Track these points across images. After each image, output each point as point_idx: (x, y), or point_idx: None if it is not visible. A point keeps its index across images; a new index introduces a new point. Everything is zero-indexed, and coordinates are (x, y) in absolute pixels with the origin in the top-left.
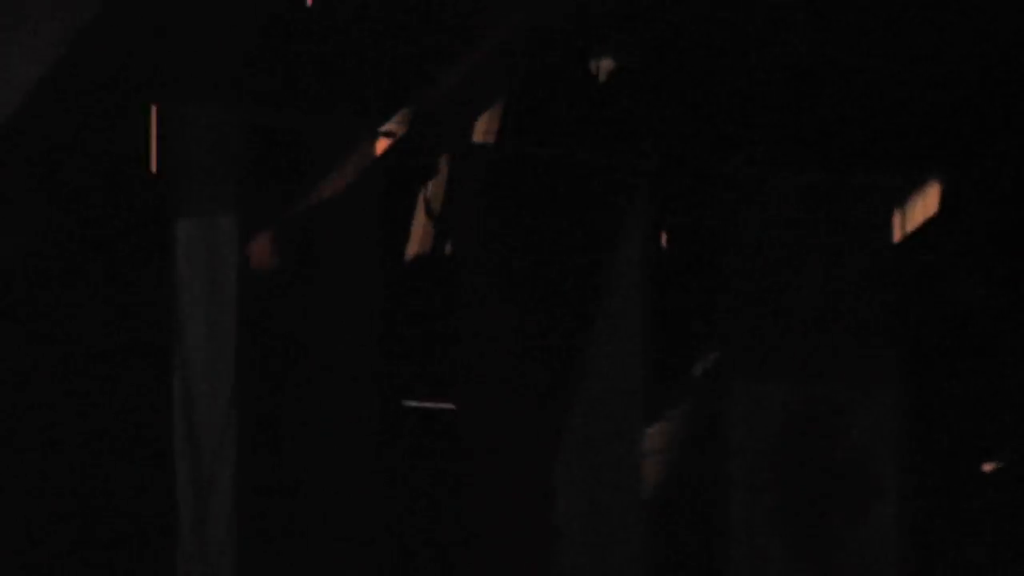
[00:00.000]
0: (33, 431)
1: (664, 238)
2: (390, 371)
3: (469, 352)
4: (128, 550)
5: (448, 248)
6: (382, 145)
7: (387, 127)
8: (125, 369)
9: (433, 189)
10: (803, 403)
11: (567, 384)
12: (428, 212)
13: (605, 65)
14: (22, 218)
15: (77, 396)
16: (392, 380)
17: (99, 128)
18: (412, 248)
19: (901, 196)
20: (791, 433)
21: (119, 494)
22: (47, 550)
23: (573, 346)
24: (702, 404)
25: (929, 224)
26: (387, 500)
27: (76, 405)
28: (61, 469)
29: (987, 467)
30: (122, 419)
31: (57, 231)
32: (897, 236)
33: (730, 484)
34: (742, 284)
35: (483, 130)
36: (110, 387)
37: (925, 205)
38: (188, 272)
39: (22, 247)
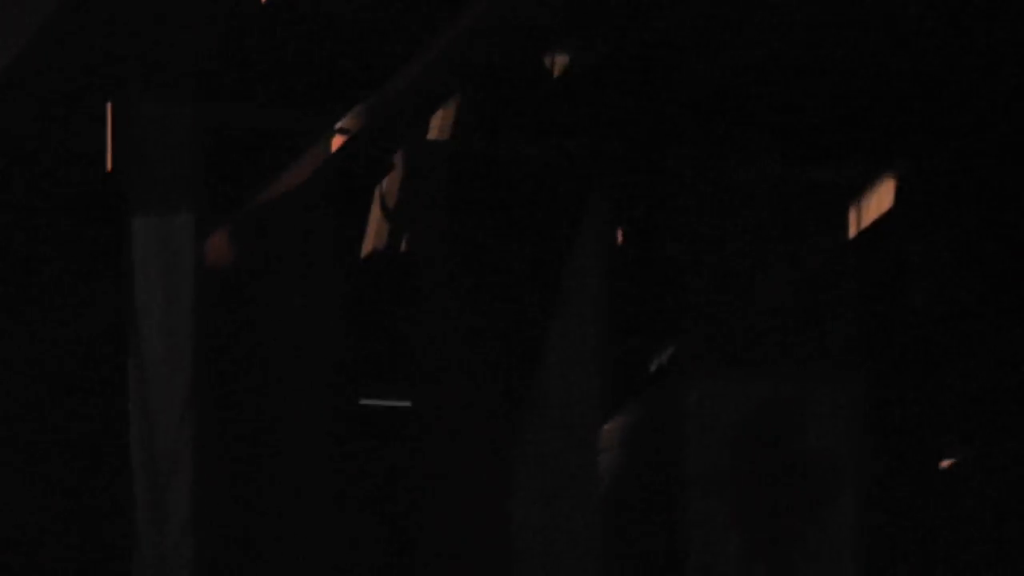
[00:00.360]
0: None
1: (620, 234)
2: (349, 369)
3: (424, 350)
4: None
5: (404, 245)
6: (337, 141)
7: (342, 123)
8: (79, 368)
9: (388, 186)
10: (762, 399)
11: (525, 382)
12: (384, 209)
13: (560, 60)
14: None
15: (30, 400)
16: (351, 378)
17: (53, 124)
18: (368, 245)
19: (858, 190)
20: (749, 430)
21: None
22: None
23: (530, 344)
24: (660, 401)
25: (884, 219)
26: (345, 500)
27: (32, 409)
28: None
29: (945, 464)
30: (81, 421)
31: (10, 228)
32: (852, 231)
33: (688, 481)
34: (699, 280)
35: (439, 126)
36: (66, 387)
37: (880, 200)
38: (144, 270)
39: None
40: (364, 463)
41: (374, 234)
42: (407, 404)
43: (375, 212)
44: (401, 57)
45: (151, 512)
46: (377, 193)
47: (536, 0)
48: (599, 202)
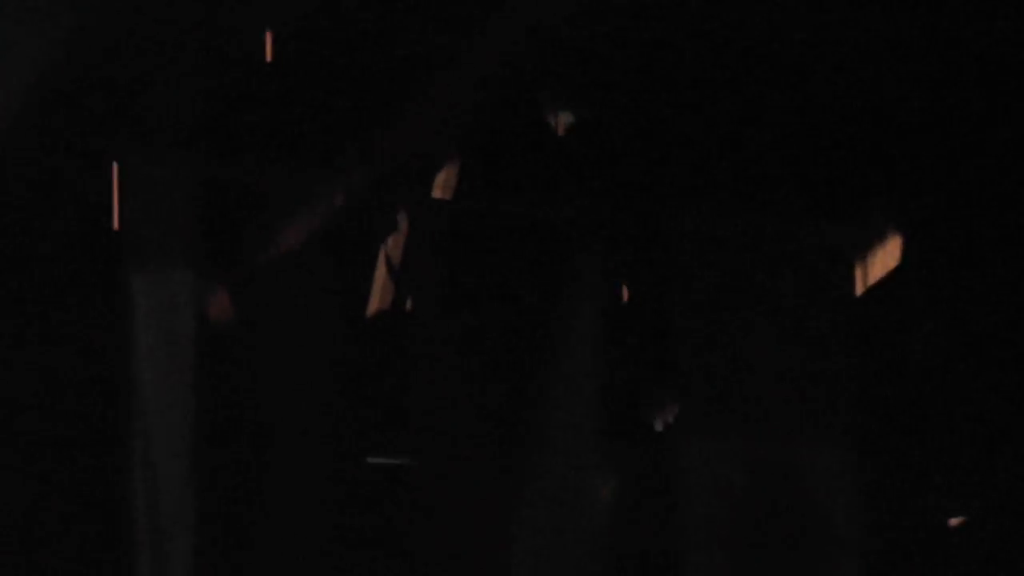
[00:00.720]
0: None
1: (623, 292)
2: (352, 428)
3: (425, 408)
4: None
5: (408, 303)
6: (341, 200)
7: (346, 181)
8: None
9: (393, 244)
10: (760, 459)
11: (524, 440)
12: (388, 267)
13: (564, 119)
14: None
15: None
16: (353, 437)
17: (57, 182)
18: (373, 304)
19: (861, 249)
20: (748, 489)
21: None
22: None
23: (529, 401)
24: (658, 459)
25: (889, 278)
26: (349, 558)
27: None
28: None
29: (953, 522)
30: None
31: (14, 285)
32: (859, 290)
33: (686, 540)
34: (697, 338)
35: (442, 185)
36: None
37: (885, 259)
38: (146, 327)
39: None
40: (366, 519)
41: (379, 293)
42: (408, 461)
43: (380, 271)
44: (404, 115)
45: (154, 567)
46: (382, 252)
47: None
48: (600, 260)
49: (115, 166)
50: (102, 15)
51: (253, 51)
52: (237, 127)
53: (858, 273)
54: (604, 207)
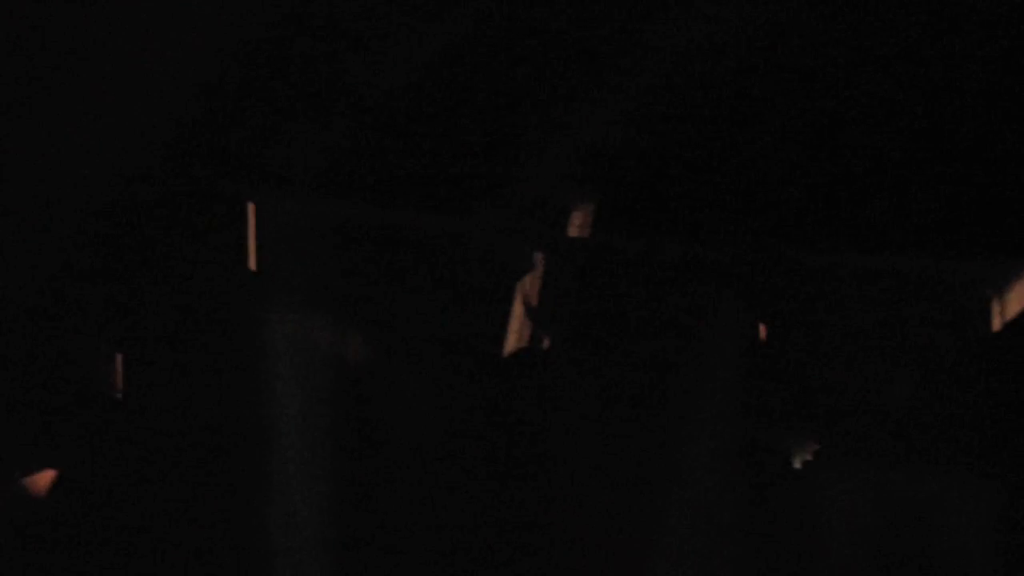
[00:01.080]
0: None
1: (761, 330)
2: (487, 470)
3: (561, 446)
4: None
5: (546, 344)
6: (480, 239)
7: (483, 221)
8: (225, 456)
9: (529, 283)
10: (898, 495)
11: (659, 478)
12: (525, 307)
13: (698, 155)
14: (119, 316)
15: (184, 483)
16: (490, 478)
17: (196, 225)
18: (510, 343)
19: (998, 284)
20: (886, 525)
21: None
22: None
23: (666, 441)
24: (797, 496)
25: None
26: None
27: (180, 504)
28: None
29: None
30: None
31: (154, 328)
32: (996, 325)
33: None
34: (835, 375)
35: (578, 223)
36: (211, 473)
37: (1023, 293)
38: (283, 368)
39: (128, 338)
40: (499, 556)
41: (515, 333)
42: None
43: (516, 311)
44: (541, 153)
45: None
46: (518, 292)
47: (678, 95)
48: (739, 298)
49: (251, 208)
50: (239, 61)
51: (387, 95)
52: (376, 168)
53: (995, 308)
54: (743, 245)
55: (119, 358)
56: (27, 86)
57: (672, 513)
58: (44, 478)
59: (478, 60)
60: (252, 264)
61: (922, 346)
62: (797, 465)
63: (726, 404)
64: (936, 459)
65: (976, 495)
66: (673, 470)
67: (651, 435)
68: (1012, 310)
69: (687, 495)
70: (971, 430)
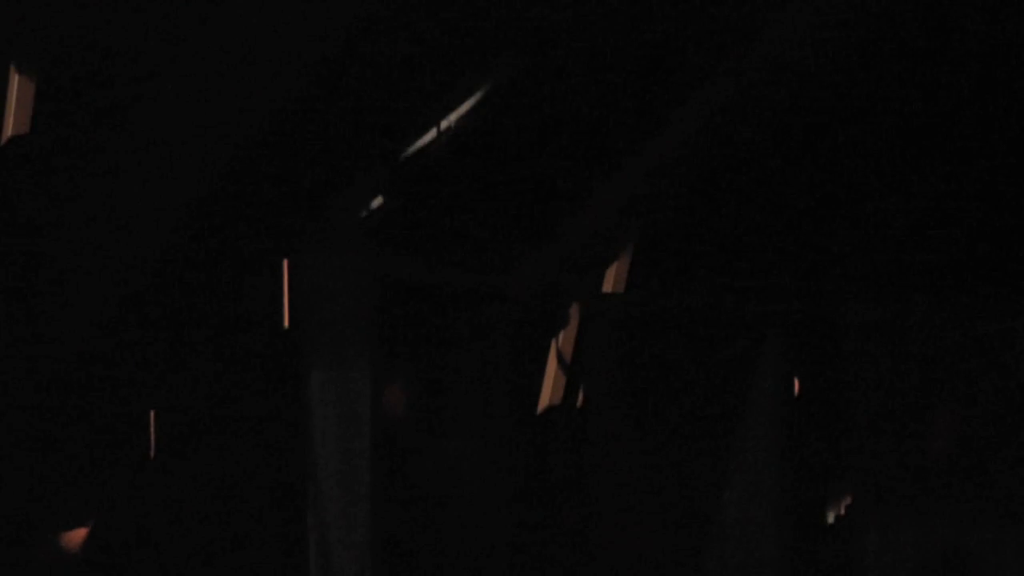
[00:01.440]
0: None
1: (796, 382)
2: (525, 521)
3: (601, 497)
4: None
5: (580, 398)
6: (512, 296)
7: (516, 279)
8: (262, 513)
9: (564, 339)
10: (938, 547)
11: (698, 527)
12: (560, 362)
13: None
14: (163, 370)
15: (220, 541)
16: (528, 530)
17: (232, 282)
18: (544, 398)
19: None
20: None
21: None
22: None
23: (703, 490)
24: (838, 546)
25: None
26: None
27: (221, 550)
28: None
29: None
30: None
31: (195, 383)
32: None
33: None
34: (873, 427)
35: (613, 279)
36: (248, 530)
37: None
38: (322, 423)
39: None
40: None
41: (550, 387)
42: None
43: (551, 365)
44: (575, 211)
45: None
46: (553, 346)
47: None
48: (774, 352)
49: (285, 264)
50: (275, 123)
51: (424, 154)
52: (411, 226)
53: None
54: (779, 299)
55: (153, 416)
56: (69, 157)
57: (712, 565)
58: (78, 535)
59: (517, 122)
60: (287, 320)
61: (961, 395)
62: (835, 517)
63: (765, 455)
64: (978, 506)
65: (1018, 548)
66: (713, 522)
67: (690, 488)
68: None
69: (727, 548)
70: (1014, 475)
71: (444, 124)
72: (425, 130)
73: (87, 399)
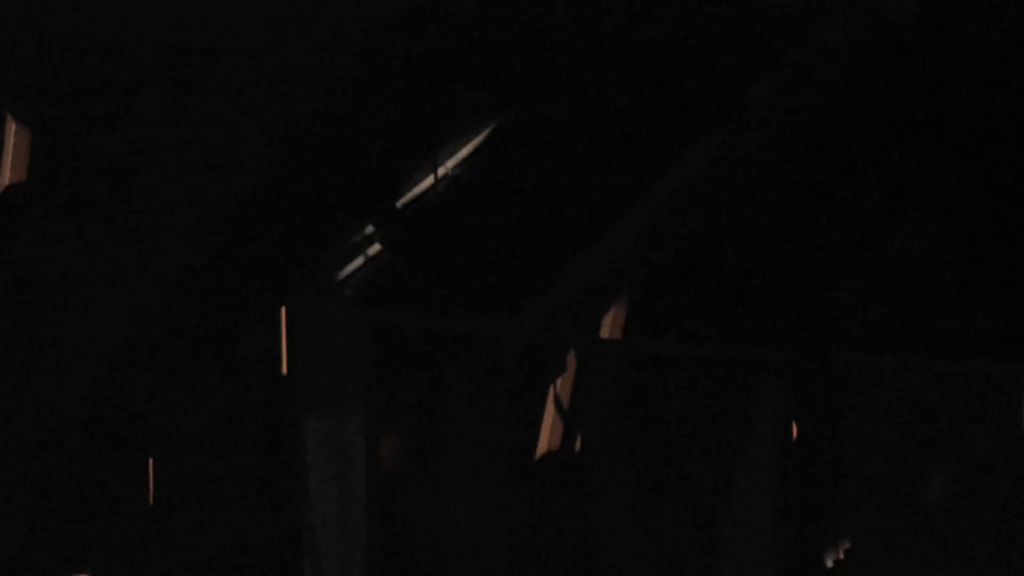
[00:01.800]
0: None
1: (795, 429)
2: (526, 567)
3: (599, 541)
4: None
5: (578, 444)
6: (511, 343)
7: (515, 326)
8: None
9: (562, 385)
10: None
11: (698, 571)
12: (557, 408)
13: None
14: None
15: None
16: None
17: (229, 330)
18: (542, 444)
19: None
20: None
21: None
22: None
23: (703, 534)
24: None
25: None
26: None
27: None
28: None
29: None
30: None
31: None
32: None
33: None
34: (868, 473)
35: (610, 325)
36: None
37: None
38: (318, 469)
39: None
40: None
41: (548, 434)
42: None
43: (549, 412)
44: (571, 259)
45: None
46: (551, 393)
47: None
48: (770, 397)
49: (283, 313)
50: (273, 175)
51: (419, 204)
52: (405, 275)
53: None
54: (781, 346)
55: (151, 463)
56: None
57: None
58: None
59: (514, 170)
60: (284, 368)
61: (956, 444)
62: (829, 565)
63: (764, 501)
64: (973, 552)
65: None
66: (712, 568)
67: (686, 534)
68: None
69: None
70: (1006, 523)
71: (441, 172)
72: (421, 180)
73: (86, 445)
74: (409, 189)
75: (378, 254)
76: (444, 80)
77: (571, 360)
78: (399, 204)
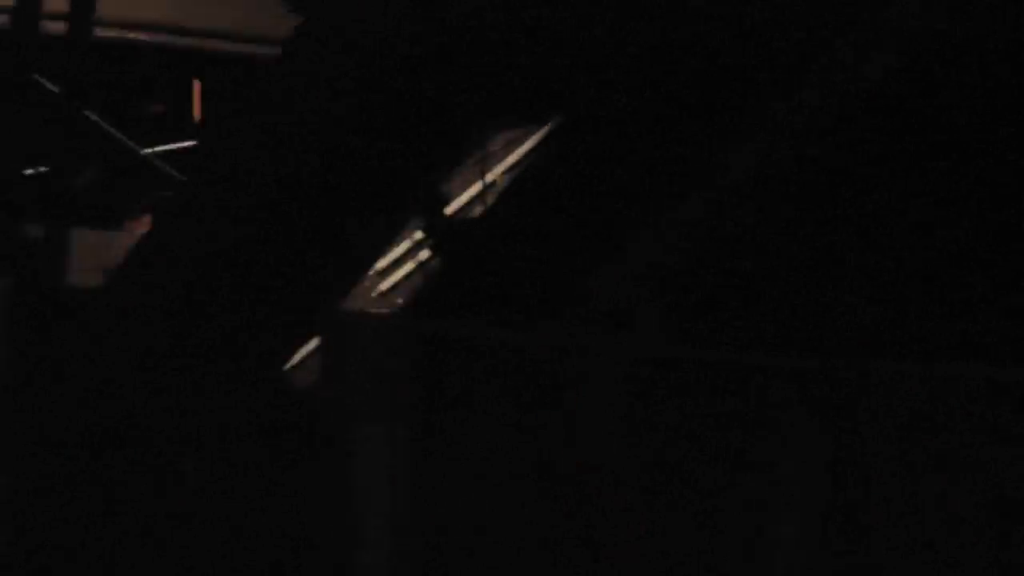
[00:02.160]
0: None
1: (818, 439)
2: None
3: (614, 552)
4: None
5: (602, 457)
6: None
7: (536, 335)
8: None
9: (587, 396)
10: None
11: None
12: (582, 418)
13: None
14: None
15: None
16: None
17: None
18: (566, 455)
19: None
20: None
21: None
22: None
23: (707, 538)
24: None
25: None
26: None
27: None
28: None
29: None
30: None
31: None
32: None
33: None
34: (894, 485)
35: (642, 334)
36: None
37: None
38: (364, 480)
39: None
40: None
41: (574, 444)
42: None
43: (574, 422)
44: (596, 269)
45: None
46: (575, 403)
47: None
48: (792, 407)
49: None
50: (313, 175)
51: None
52: (448, 285)
53: None
54: (803, 356)
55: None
56: None
57: None
58: None
59: (546, 188)
60: (327, 376)
61: (977, 458)
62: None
63: (783, 514)
64: (999, 569)
65: None
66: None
67: (706, 543)
68: None
69: None
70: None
71: (488, 179)
72: (464, 188)
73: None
74: (456, 195)
75: (423, 262)
76: (494, 84)
77: (598, 370)
78: (446, 210)
